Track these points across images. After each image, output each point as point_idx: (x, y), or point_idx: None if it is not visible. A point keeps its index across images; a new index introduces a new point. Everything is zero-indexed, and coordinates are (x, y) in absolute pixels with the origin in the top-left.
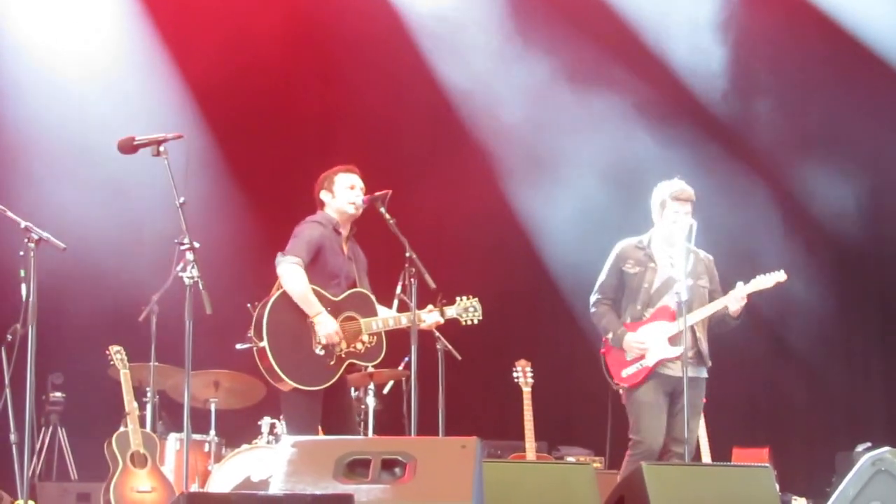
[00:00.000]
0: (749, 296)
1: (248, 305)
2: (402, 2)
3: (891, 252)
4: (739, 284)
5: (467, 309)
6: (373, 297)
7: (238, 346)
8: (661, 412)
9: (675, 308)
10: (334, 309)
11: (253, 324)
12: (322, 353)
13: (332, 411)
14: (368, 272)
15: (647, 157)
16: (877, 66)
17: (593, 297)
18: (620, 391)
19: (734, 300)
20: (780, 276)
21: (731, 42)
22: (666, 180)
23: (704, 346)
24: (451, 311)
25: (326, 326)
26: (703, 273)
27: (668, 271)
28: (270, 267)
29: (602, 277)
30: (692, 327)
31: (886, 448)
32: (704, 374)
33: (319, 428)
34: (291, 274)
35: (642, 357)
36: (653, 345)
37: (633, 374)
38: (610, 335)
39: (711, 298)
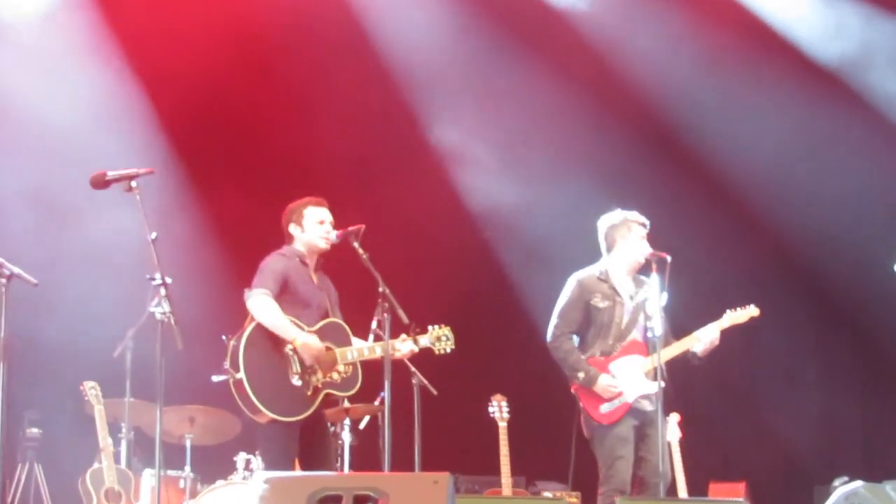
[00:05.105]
0: (722, 333)
1: (224, 337)
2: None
3: (867, 285)
4: (708, 326)
5: (440, 338)
6: (347, 327)
7: (214, 378)
8: (632, 446)
9: (644, 342)
10: None
11: (228, 355)
12: (299, 383)
13: (310, 446)
14: (341, 307)
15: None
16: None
17: (555, 331)
18: (583, 425)
19: (707, 337)
20: (752, 310)
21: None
22: (609, 212)
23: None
24: (424, 341)
25: (311, 347)
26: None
27: (631, 304)
28: (243, 301)
29: (563, 310)
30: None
31: (860, 483)
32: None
33: (297, 462)
34: (263, 305)
35: (620, 394)
36: (628, 380)
37: (613, 410)
38: (581, 375)
39: (665, 336)
